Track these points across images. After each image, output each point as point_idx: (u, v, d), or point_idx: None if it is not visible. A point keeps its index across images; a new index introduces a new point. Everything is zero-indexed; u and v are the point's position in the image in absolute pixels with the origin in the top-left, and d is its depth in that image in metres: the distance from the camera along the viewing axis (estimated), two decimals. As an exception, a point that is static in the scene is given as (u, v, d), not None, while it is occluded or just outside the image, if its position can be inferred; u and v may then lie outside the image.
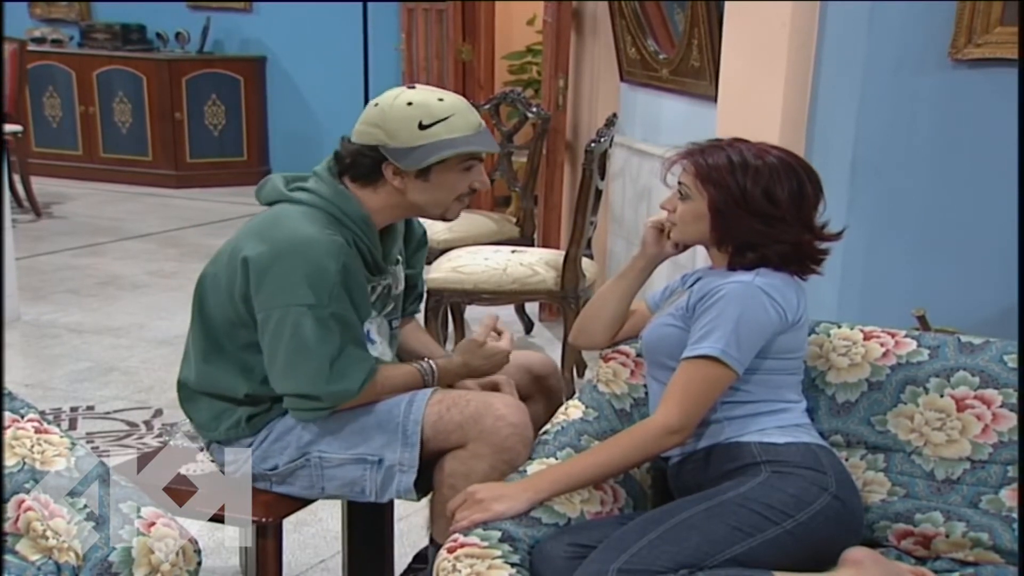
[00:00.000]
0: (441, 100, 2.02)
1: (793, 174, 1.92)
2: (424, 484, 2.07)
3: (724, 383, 1.87)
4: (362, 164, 2.03)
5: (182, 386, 2.18)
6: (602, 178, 3.76)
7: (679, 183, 1.97)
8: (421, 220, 2.32)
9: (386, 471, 2.02)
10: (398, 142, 1.99)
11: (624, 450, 1.88)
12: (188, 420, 2.22)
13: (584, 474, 1.89)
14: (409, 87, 2.07)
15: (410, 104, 2.00)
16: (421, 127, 1.98)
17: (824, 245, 1.96)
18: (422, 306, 2.45)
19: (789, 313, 1.89)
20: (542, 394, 2.32)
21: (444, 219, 2.12)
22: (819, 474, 1.83)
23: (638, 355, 2.16)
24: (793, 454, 1.86)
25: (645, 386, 2.16)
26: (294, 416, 2.05)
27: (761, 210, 1.89)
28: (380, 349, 2.18)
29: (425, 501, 2.12)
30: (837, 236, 1.98)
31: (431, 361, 2.13)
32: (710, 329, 1.85)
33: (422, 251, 2.34)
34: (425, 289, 2.43)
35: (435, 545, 2.05)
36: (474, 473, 1.94)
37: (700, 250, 2.11)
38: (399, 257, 2.22)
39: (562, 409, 2.14)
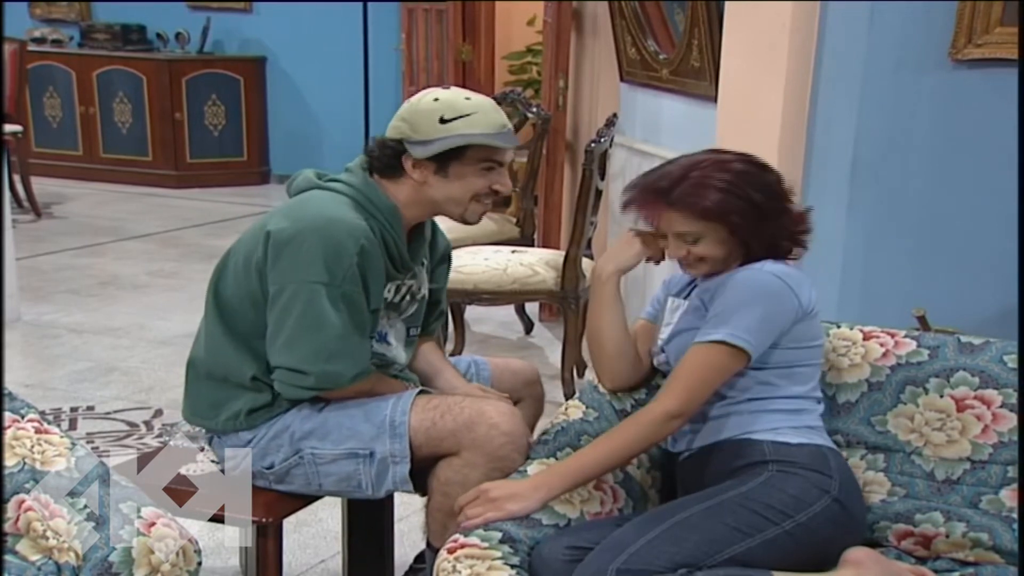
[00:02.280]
0: (468, 99, 2.06)
1: (760, 167, 1.96)
2: (422, 485, 2.07)
3: (733, 368, 1.87)
4: (384, 156, 2.08)
5: (191, 366, 2.19)
6: (602, 178, 3.76)
7: (678, 233, 1.94)
8: (446, 235, 2.35)
9: (379, 463, 2.02)
10: (419, 135, 2.04)
11: (627, 439, 1.88)
12: (185, 409, 2.21)
13: (593, 467, 1.89)
14: (444, 87, 2.12)
15: (436, 100, 2.06)
16: (442, 121, 2.02)
17: (808, 222, 2.00)
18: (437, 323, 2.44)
19: (803, 300, 1.90)
20: (532, 398, 2.36)
21: (464, 220, 2.13)
22: (823, 476, 1.83)
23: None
24: (802, 455, 1.86)
25: (645, 388, 2.16)
26: (278, 388, 2.06)
27: (773, 209, 1.92)
28: (395, 352, 2.20)
29: (423, 501, 2.12)
30: (808, 211, 2.02)
31: (427, 389, 2.15)
32: (720, 313, 1.87)
33: (445, 266, 2.35)
34: (447, 310, 2.43)
35: (431, 549, 2.05)
36: (469, 482, 1.94)
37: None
38: (424, 261, 2.24)
39: (562, 409, 2.14)
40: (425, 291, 2.26)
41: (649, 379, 2.17)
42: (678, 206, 1.92)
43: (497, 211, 5.29)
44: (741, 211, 1.90)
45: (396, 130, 2.07)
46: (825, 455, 1.88)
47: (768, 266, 1.91)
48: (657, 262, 2.09)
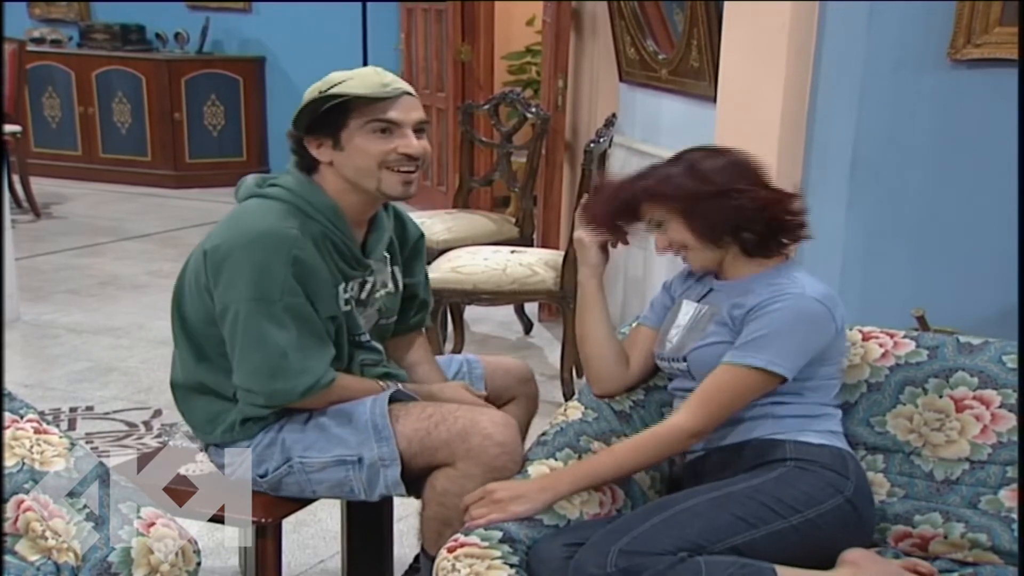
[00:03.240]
0: (347, 71, 2.05)
1: (717, 154, 1.98)
2: (418, 489, 2.06)
3: (762, 388, 1.87)
4: (293, 148, 2.09)
5: (175, 387, 2.18)
6: (601, 178, 3.76)
7: (646, 221, 1.98)
8: (417, 223, 2.32)
9: (369, 468, 2.01)
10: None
11: (642, 451, 1.89)
12: (185, 422, 2.21)
13: (602, 475, 1.90)
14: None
15: (321, 81, 2.05)
16: (319, 94, 2.02)
17: (795, 205, 1.95)
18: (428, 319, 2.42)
19: (838, 318, 1.91)
20: (526, 397, 2.35)
21: (384, 194, 2.05)
22: (840, 477, 1.84)
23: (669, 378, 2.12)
24: (823, 456, 1.87)
25: (643, 389, 2.16)
26: (241, 407, 2.05)
27: (715, 188, 1.90)
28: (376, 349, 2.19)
29: (419, 506, 2.12)
30: (791, 196, 1.98)
31: (405, 388, 2.13)
32: (758, 337, 1.85)
33: (418, 257, 2.32)
34: (431, 300, 2.40)
35: (427, 556, 2.04)
36: (466, 492, 1.92)
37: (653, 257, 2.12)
38: (386, 255, 2.20)
39: (561, 410, 2.14)
40: (393, 284, 2.22)
41: (640, 383, 2.16)
42: (638, 197, 1.98)
43: (496, 211, 5.30)
44: (677, 187, 1.92)
45: None
46: (844, 458, 1.89)
47: (809, 289, 1.90)
48: (615, 244, 2.11)
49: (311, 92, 2.04)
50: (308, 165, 2.08)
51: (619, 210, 2.02)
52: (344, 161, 2.03)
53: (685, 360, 2.00)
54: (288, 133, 2.09)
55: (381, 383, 2.12)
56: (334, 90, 2.00)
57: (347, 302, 2.09)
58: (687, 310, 2.06)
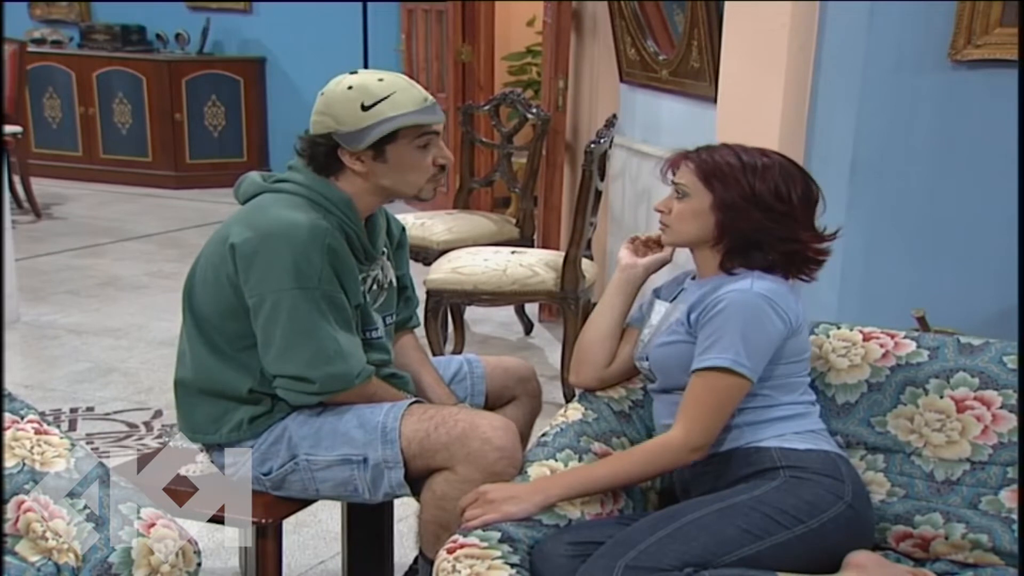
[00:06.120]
0: (381, 80, 2.04)
1: (800, 174, 1.95)
2: (419, 491, 2.05)
3: (738, 392, 1.86)
4: (318, 154, 2.06)
5: (180, 386, 2.17)
6: (602, 179, 3.76)
7: (675, 183, 1.97)
8: (398, 218, 2.34)
9: (373, 469, 2.02)
10: (346, 126, 2.01)
11: (641, 464, 1.89)
12: (184, 427, 2.19)
13: (598, 483, 1.90)
14: (351, 72, 2.10)
15: (351, 88, 2.03)
16: (363, 108, 2.01)
17: (823, 246, 1.96)
18: (421, 316, 2.42)
19: (792, 318, 1.90)
20: (527, 395, 2.35)
21: (419, 198, 2.11)
22: (837, 482, 1.83)
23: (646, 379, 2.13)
24: (813, 461, 1.86)
25: (643, 389, 2.16)
26: (283, 396, 2.05)
27: (769, 205, 1.90)
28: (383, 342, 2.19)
29: (416, 509, 2.11)
30: (834, 236, 1.98)
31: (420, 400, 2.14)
32: (716, 340, 1.85)
33: (403, 251, 2.34)
34: (416, 296, 2.41)
35: (425, 558, 2.04)
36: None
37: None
38: (385, 249, 2.23)
39: (561, 411, 2.14)
40: (391, 278, 2.24)
41: (619, 381, 2.17)
42: (694, 155, 1.97)
43: (497, 212, 5.30)
44: (737, 185, 1.90)
45: (321, 125, 2.04)
46: (835, 461, 1.88)
47: (756, 286, 1.89)
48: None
49: (349, 104, 2.01)
50: (324, 167, 2.07)
51: (674, 162, 2.01)
52: (385, 172, 2.05)
53: (647, 359, 2.02)
54: (311, 140, 2.07)
55: (405, 394, 2.13)
56: (385, 108, 1.99)
57: (363, 295, 2.11)
58: (659, 310, 2.08)
